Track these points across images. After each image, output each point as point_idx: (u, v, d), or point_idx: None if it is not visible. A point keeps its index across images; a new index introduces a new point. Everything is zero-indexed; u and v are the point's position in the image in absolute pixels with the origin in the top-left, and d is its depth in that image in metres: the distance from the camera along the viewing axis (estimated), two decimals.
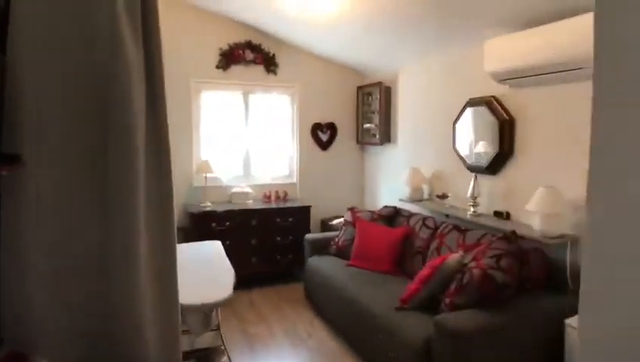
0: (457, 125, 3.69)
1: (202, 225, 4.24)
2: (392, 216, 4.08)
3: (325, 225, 5.01)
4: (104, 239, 1.50)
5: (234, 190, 4.73)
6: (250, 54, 4.70)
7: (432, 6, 3.07)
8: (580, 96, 2.73)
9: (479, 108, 3.42)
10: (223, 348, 3.13)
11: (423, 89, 4.26)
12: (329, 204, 5.19)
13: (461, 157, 3.70)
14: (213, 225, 4.28)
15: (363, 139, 5.20)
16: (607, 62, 0.82)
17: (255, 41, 4.70)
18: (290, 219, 4.60)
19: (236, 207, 4.47)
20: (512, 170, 3.27)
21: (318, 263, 3.90)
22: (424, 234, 3.57)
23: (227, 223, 4.34)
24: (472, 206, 3.43)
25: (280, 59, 4.85)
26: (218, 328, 3.21)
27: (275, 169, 5.10)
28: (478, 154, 3.48)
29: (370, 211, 4.19)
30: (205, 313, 2.44)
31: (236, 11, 4.36)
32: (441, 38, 3.63)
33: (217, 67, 4.62)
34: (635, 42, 0.73)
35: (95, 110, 1.48)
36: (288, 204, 4.74)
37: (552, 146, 2.94)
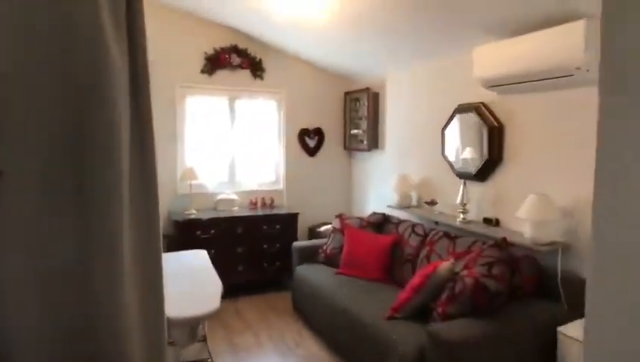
0: (446, 131, 3.68)
1: (187, 234, 4.14)
2: (380, 222, 4.04)
3: (313, 233, 4.95)
4: (84, 248, 1.43)
5: (219, 197, 4.64)
6: (237, 59, 4.64)
7: (421, 12, 3.06)
8: (568, 103, 2.74)
9: (468, 114, 3.41)
10: (209, 360, 3.04)
11: (411, 95, 4.24)
12: (316, 210, 5.14)
13: (450, 164, 3.68)
14: (198, 233, 4.18)
15: (350, 145, 5.16)
16: (613, 67, 0.79)
17: (241, 45, 4.64)
18: (277, 227, 4.52)
19: (222, 215, 4.39)
20: (501, 177, 3.26)
21: (306, 271, 3.84)
22: (414, 241, 3.54)
23: (212, 231, 4.25)
24: (462, 213, 3.41)
25: (267, 63, 4.79)
26: (205, 339, 3.12)
27: (262, 175, 5.03)
28: (467, 160, 3.47)
29: (358, 218, 4.14)
30: (192, 326, 2.36)
31: (222, 15, 4.29)
32: (429, 45, 3.62)
33: (203, 72, 4.55)
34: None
35: (77, 116, 1.40)
36: (275, 211, 4.67)
37: (541, 153, 2.94)
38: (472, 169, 3.41)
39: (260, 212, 4.61)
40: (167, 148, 4.39)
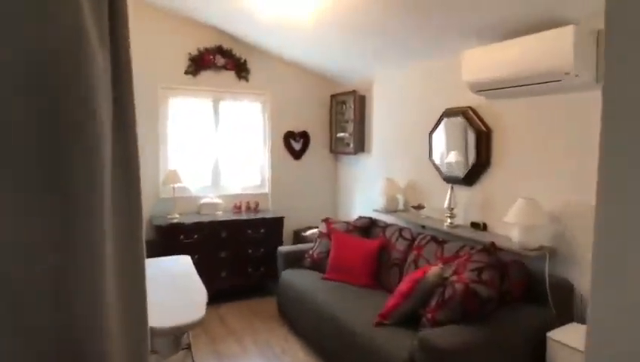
0: (434, 135, 3.67)
1: (170, 238, 4.04)
2: (367, 227, 4.00)
3: (298, 237, 4.88)
4: (62, 258, 1.35)
5: (203, 201, 4.55)
6: (221, 60, 4.56)
7: (409, 15, 3.03)
8: (556, 108, 2.74)
9: (456, 118, 3.40)
10: None
11: (398, 98, 4.22)
12: (302, 214, 5.08)
13: (437, 168, 3.67)
14: (181, 237, 4.09)
15: (337, 149, 5.12)
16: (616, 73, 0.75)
17: (226, 46, 4.56)
18: (262, 231, 4.45)
19: (205, 219, 4.30)
20: (488, 181, 3.26)
21: (291, 277, 3.77)
22: (401, 245, 3.51)
23: (196, 236, 4.16)
24: (449, 217, 3.40)
25: (252, 65, 4.72)
26: (189, 347, 3.03)
27: (246, 178, 4.95)
28: (455, 164, 3.46)
29: (345, 222, 4.10)
30: (175, 335, 2.28)
31: (207, 15, 4.21)
32: (417, 48, 3.60)
33: (186, 73, 4.45)
34: None
35: (57, 118, 1.32)
36: (260, 215, 4.59)
37: (528, 157, 2.94)
38: (460, 173, 3.40)
39: (244, 216, 4.54)
40: (150, 150, 4.28)
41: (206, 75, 4.54)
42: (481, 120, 3.23)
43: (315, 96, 5.14)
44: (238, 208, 4.70)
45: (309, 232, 4.73)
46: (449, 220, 3.40)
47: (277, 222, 4.56)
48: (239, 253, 4.35)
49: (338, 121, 5.05)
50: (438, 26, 3.10)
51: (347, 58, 4.37)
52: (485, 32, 2.92)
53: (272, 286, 4.33)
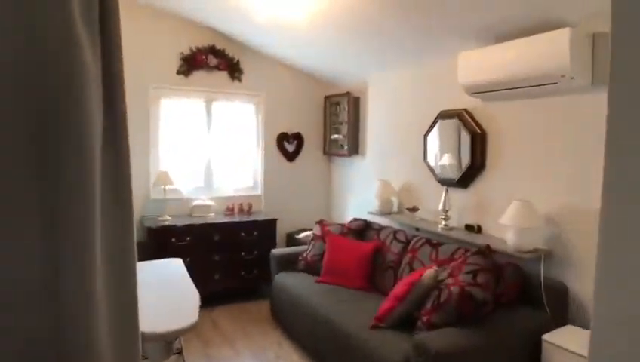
0: (428, 138, 3.65)
1: (161, 241, 3.98)
2: (362, 229, 3.98)
3: (291, 239, 4.84)
4: (51, 264, 1.30)
5: (195, 203, 4.49)
6: (214, 60, 4.51)
7: (405, 16, 3.02)
8: (552, 110, 2.74)
9: (451, 120, 3.39)
10: None
11: (393, 100, 4.21)
12: (295, 216, 5.04)
13: (432, 170, 3.66)
14: (173, 240, 4.03)
15: (330, 150, 5.09)
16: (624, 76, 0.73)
17: (219, 45, 4.52)
18: (255, 233, 4.41)
19: (197, 221, 4.24)
20: (483, 184, 3.25)
21: (285, 280, 3.73)
22: (395, 248, 3.48)
23: (188, 238, 4.10)
24: (443, 219, 3.39)
25: (245, 65, 4.68)
26: (180, 352, 2.98)
27: (239, 180, 4.90)
28: (450, 167, 3.44)
29: (339, 224, 4.07)
30: (167, 340, 2.23)
31: (199, 14, 4.17)
32: (412, 49, 3.58)
33: (178, 73, 4.40)
34: None
35: (43, 122, 1.28)
36: (253, 218, 4.55)
37: (523, 160, 2.93)
38: (455, 175, 3.39)
39: (237, 218, 4.49)
40: (140, 151, 4.23)
41: (198, 75, 4.49)
42: (476, 122, 3.22)
43: (309, 97, 5.11)
44: (230, 210, 4.66)
45: (302, 235, 4.69)
46: (443, 222, 3.38)
47: (270, 225, 4.52)
48: (232, 256, 4.30)
49: (332, 122, 5.03)
50: (434, 28, 3.09)
51: (342, 59, 4.35)
52: (481, 34, 2.91)
53: (265, 289, 4.29)
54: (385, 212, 4.04)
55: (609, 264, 0.74)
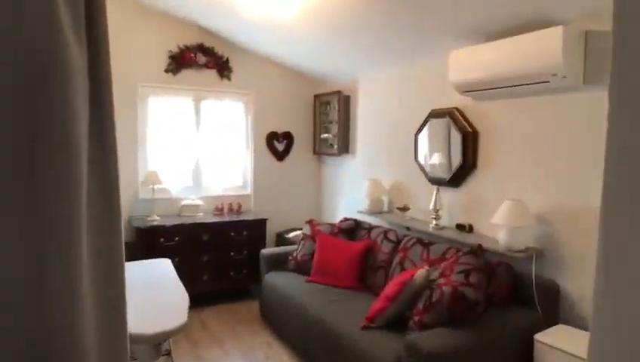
0: (419, 137, 3.64)
1: (149, 241, 3.92)
2: (352, 228, 3.95)
3: (281, 239, 4.81)
4: (36, 263, 1.25)
5: (184, 202, 4.44)
6: (203, 58, 4.46)
7: (396, 14, 3.00)
8: (544, 109, 2.74)
9: (442, 119, 3.38)
10: None
11: (383, 99, 4.19)
12: (285, 216, 5.01)
13: (423, 169, 3.65)
14: (162, 240, 3.97)
15: (320, 150, 5.07)
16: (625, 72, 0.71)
17: (208, 43, 4.47)
18: (244, 233, 4.36)
19: (186, 221, 4.19)
20: (474, 183, 3.24)
21: (275, 279, 3.70)
22: (386, 247, 3.47)
23: (176, 238, 4.05)
24: (434, 218, 3.38)
25: (234, 63, 4.63)
26: (169, 353, 2.93)
27: (228, 180, 4.85)
28: (441, 166, 3.44)
29: (330, 224, 4.04)
30: (156, 342, 2.19)
31: (188, 11, 4.11)
32: (403, 48, 3.57)
33: (166, 71, 4.34)
34: None
35: (27, 119, 1.23)
36: (242, 217, 4.50)
37: (515, 159, 2.93)
38: (446, 175, 3.38)
39: (226, 218, 4.44)
40: (128, 150, 4.16)
41: (187, 74, 4.43)
42: (468, 121, 3.21)
43: (299, 96, 5.08)
44: (219, 210, 4.60)
45: (292, 234, 4.66)
46: (434, 222, 3.38)
47: (260, 224, 4.48)
48: (221, 256, 4.25)
49: (322, 121, 5.00)
50: (425, 26, 3.07)
51: (331, 57, 4.32)
52: (472, 32, 2.90)
53: (254, 289, 4.25)
54: (375, 211, 4.03)
55: (610, 265, 0.72)
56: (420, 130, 3.63)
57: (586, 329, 2.43)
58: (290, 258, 3.87)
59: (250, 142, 4.89)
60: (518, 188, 2.89)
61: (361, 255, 3.54)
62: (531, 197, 2.78)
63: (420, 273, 2.67)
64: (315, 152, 5.18)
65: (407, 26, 3.14)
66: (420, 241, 3.24)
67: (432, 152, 3.54)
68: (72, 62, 1.29)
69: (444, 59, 3.11)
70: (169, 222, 4.10)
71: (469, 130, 3.18)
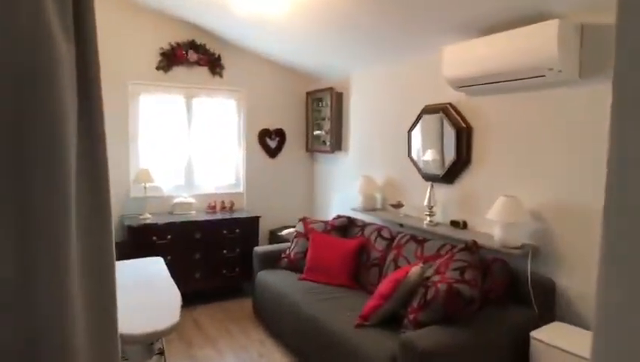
0: (413, 133, 3.63)
1: (141, 239, 3.87)
2: (345, 226, 3.93)
3: (274, 236, 4.78)
4: (25, 264, 1.22)
5: (176, 200, 4.39)
6: (194, 55, 4.40)
7: (389, 9, 2.97)
8: (539, 104, 2.72)
9: (435, 115, 3.37)
10: None
11: (376, 95, 4.17)
12: (277, 214, 4.98)
13: (416, 166, 3.63)
14: (154, 238, 3.93)
15: (313, 147, 5.04)
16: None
17: (199, 40, 4.42)
18: (237, 231, 4.33)
19: (178, 219, 4.15)
20: (468, 179, 3.23)
21: (268, 277, 3.67)
22: (380, 245, 3.45)
23: (168, 236, 4.00)
24: (428, 215, 3.37)
25: (226, 60, 4.59)
26: (161, 352, 2.89)
27: (220, 177, 4.81)
28: (434, 162, 3.42)
29: (323, 221, 4.02)
30: (148, 342, 2.15)
31: (179, 7, 4.05)
32: (396, 43, 3.54)
33: (158, 68, 4.29)
34: None
35: (21, 115, 1.20)
36: (235, 215, 4.47)
37: (510, 154, 2.92)
38: (440, 171, 3.37)
39: (219, 216, 4.40)
40: (119, 148, 4.11)
41: (178, 71, 4.38)
42: (462, 116, 3.20)
43: (291, 93, 5.04)
44: (212, 208, 4.57)
45: (285, 232, 4.63)
46: (428, 218, 3.36)
47: (252, 222, 4.45)
48: (214, 254, 4.22)
49: (315, 118, 4.97)
50: (418, 21, 3.05)
51: (324, 54, 4.29)
52: (467, 26, 2.88)
53: (247, 287, 4.22)
54: (368, 208, 4.01)
55: (612, 263, 0.70)
56: (413, 126, 3.61)
57: (582, 326, 2.43)
58: (283, 256, 3.85)
59: (243, 140, 4.85)
60: (512, 184, 2.88)
61: (354, 252, 3.52)
62: (526, 193, 2.77)
63: (415, 270, 2.66)
64: (307, 149, 5.15)
65: (400, 21, 3.11)
66: (414, 238, 3.23)
67: (425, 148, 3.52)
68: (61, 61, 1.26)
69: (437, 55, 3.10)
70: (161, 220, 4.06)
71: (463, 125, 3.17)
